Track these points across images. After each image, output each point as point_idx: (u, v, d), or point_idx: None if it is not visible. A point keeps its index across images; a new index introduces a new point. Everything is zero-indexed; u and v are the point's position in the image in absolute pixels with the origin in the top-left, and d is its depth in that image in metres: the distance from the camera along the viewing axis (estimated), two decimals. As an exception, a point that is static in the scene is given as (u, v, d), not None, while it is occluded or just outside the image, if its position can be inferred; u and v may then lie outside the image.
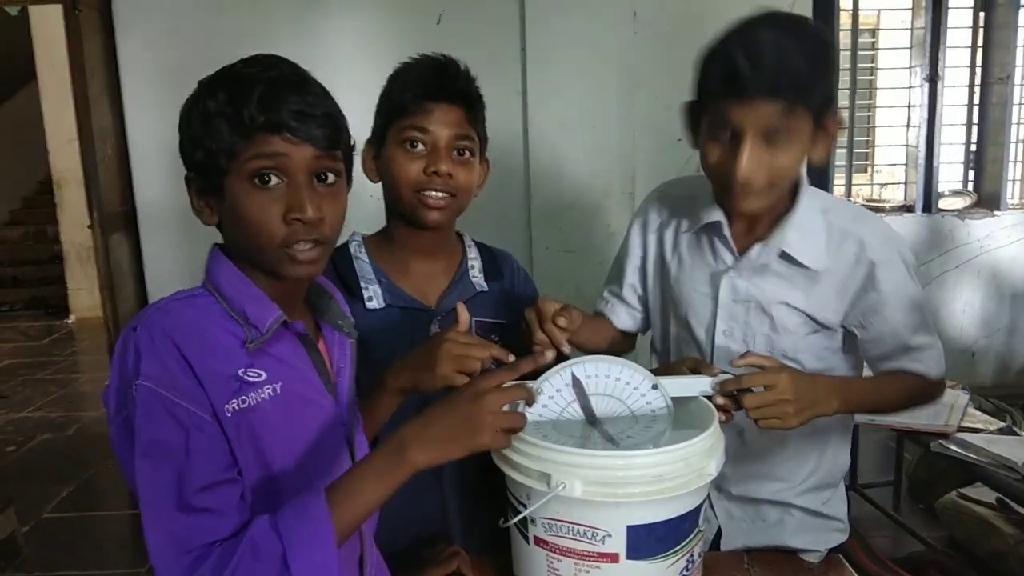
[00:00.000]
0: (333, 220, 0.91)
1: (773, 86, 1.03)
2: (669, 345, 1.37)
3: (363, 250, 1.28)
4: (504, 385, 0.92)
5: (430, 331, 1.25)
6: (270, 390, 0.88)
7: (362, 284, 1.24)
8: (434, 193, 1.20)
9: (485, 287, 1.32)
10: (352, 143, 0.97)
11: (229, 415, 0.85)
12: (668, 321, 1.36)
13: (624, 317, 1.43)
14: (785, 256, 1.20)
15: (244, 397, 0.86)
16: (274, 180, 0.87)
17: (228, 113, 0.85)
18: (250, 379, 0.87)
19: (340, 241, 1.26)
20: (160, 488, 0.81)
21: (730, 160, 1.08)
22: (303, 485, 0.90)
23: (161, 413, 0.81)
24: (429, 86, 1.20)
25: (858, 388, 1.23)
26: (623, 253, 1.42)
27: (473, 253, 1.35)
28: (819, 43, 1.08)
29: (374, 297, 1.24)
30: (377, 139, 1.26)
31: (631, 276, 1.41)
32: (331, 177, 0.91)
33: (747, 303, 1.24)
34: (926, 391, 1.28)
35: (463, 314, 1.13)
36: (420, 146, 1.21)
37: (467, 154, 1.23)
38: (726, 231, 1.23)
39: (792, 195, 1.20)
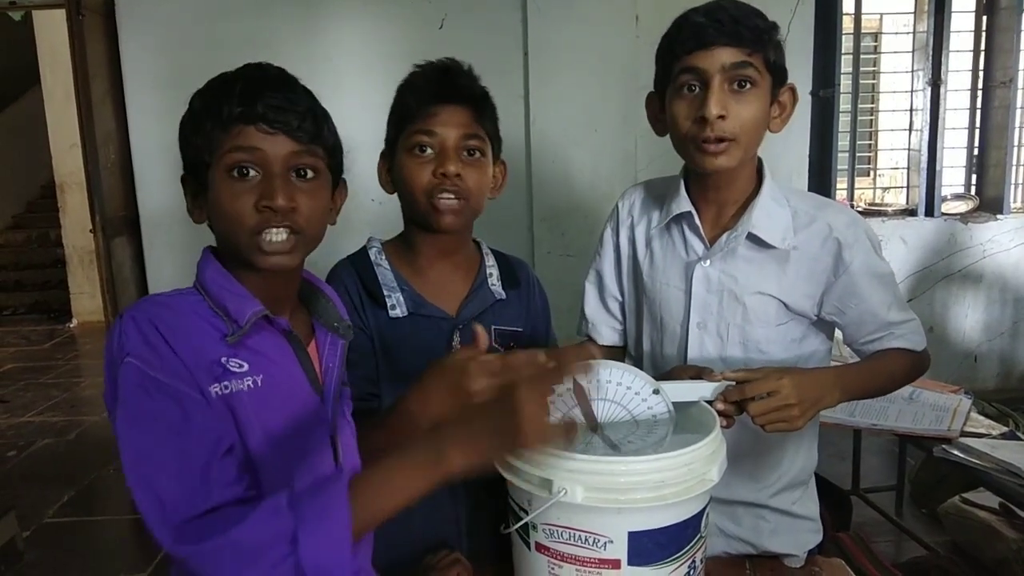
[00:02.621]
0: (309, 214, 0.92)
1: (732, 32, 1.12)
2: (642, 346, 1.37)
3: (383, 257, 1.28)
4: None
5: (452, 341, 1.25)
6: (251, 381, 0.89)
7: (385, 292, 1.23)
8: (445, 196, 1.20)
9: (503, 295, 1.31)
10: (342, 146, 0.99)
11: (215, 396, 0.86)
12: (641, 320, 1.37)
13: (608, 332, 1.44)
14: (753, 239, 1.23)
15: (226, 383, 0.87)
16: (251, 172, 0.89)
17: (211, 108, 0.89)
18: (232, 368, 0.88)
19: (358, 246, 1.29)
20: (160, 453, 0.80)
21: (699, 107, 1.14)
22: (282, 478, 0.90)
23: (151, 388, 0.82)
24: (433, 89, 1.21)
25: (855, 374, 1.23)
26: (599, 258, 1.43)
27: (491, 261, 1.34)
28: (768, 20, 1.16)
29: (397, 305, 1.23)
30: (390, 150, 1.27)
31: (608, 279, 1.42)
32: (310, 173, 0.93)
33: (720, 293, 1.26)
34: (915, 366, 1.30)
35: (482, 336, 1.03)
36: (428, 150, 1.20)
37: (477, 154, 1.22)
38: (696, 220, 1.26)
39: (757, 184, 1.25)
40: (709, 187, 1.24)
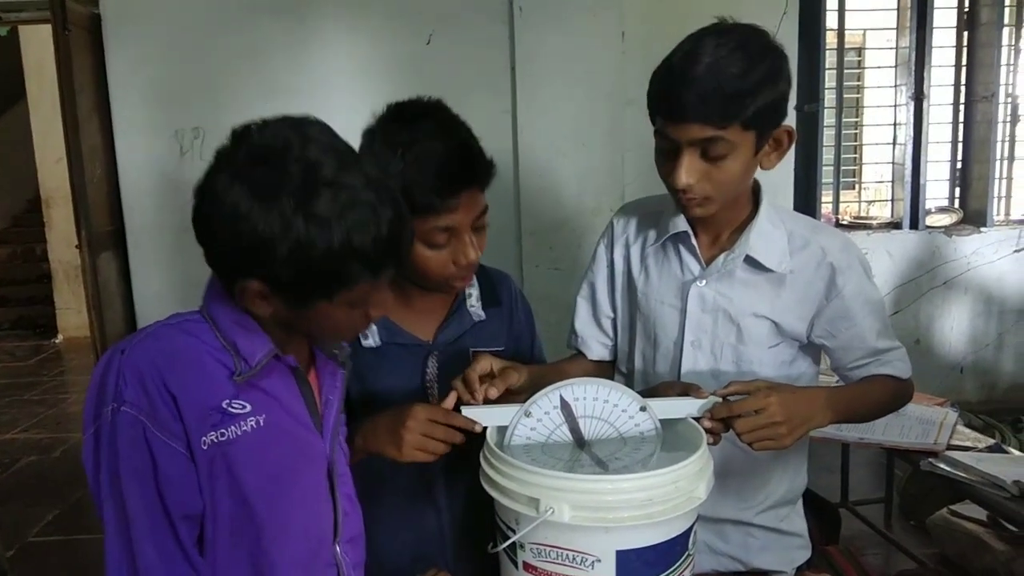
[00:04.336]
0: None
1: (702, 112, 1.07)
2: (634, 362, 1.36)
3: None
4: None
5: (427, 367, 1.25)
6: (253, 422, 0.89)
7: None
8: (463, 279, 1.20)
9: (483, 316, 1.30)
10: None
11: (204, 448, 0.85)
12: (634, 337, 1.36)
13: (597, 347, 1.43)
14: (750, 261, 1.23)
15: (223, 430, 0.86)
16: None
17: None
18: (233, 411, 0.87)
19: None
20: (131, 513, 0.84)
21: (672, 171, 1.13)
22: (280, 515, 0.91)
23: (140, 441, 0.83)
24: (453, 183, 1.11)
25: (846, 397, 1.23)
26: (591, 273, 1.43)
27: (471, 281, 1.32)
28: (760, 57, 1.08)
29: (370, 335, 1.22)
30: None
31: (601, 295, 1.41)
32: None
33: (715, 313, 1.26)
34: (901, 393, 1.30)
35: (450, 400, 1.10)
36: (443, 236, 1.14)
37: (484, 219, 1.19)
38: (693, 240, 1.26)
39: (754, 205, 1.25)
40: None
